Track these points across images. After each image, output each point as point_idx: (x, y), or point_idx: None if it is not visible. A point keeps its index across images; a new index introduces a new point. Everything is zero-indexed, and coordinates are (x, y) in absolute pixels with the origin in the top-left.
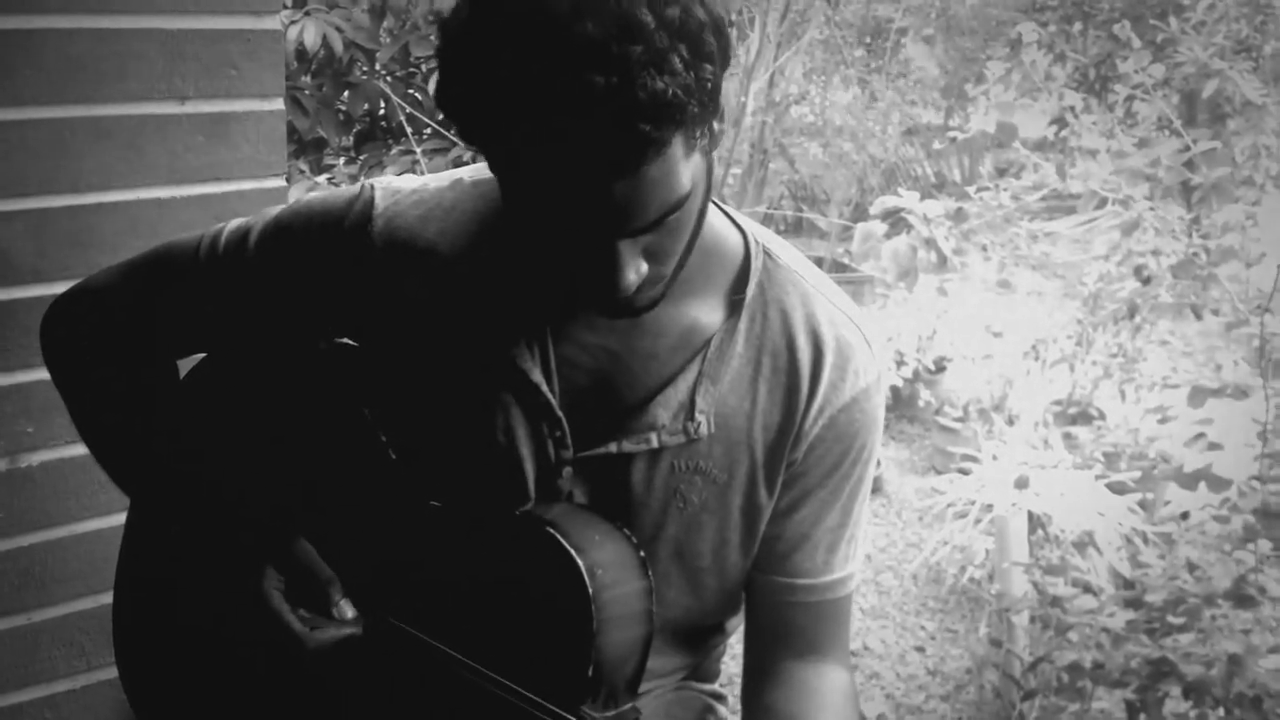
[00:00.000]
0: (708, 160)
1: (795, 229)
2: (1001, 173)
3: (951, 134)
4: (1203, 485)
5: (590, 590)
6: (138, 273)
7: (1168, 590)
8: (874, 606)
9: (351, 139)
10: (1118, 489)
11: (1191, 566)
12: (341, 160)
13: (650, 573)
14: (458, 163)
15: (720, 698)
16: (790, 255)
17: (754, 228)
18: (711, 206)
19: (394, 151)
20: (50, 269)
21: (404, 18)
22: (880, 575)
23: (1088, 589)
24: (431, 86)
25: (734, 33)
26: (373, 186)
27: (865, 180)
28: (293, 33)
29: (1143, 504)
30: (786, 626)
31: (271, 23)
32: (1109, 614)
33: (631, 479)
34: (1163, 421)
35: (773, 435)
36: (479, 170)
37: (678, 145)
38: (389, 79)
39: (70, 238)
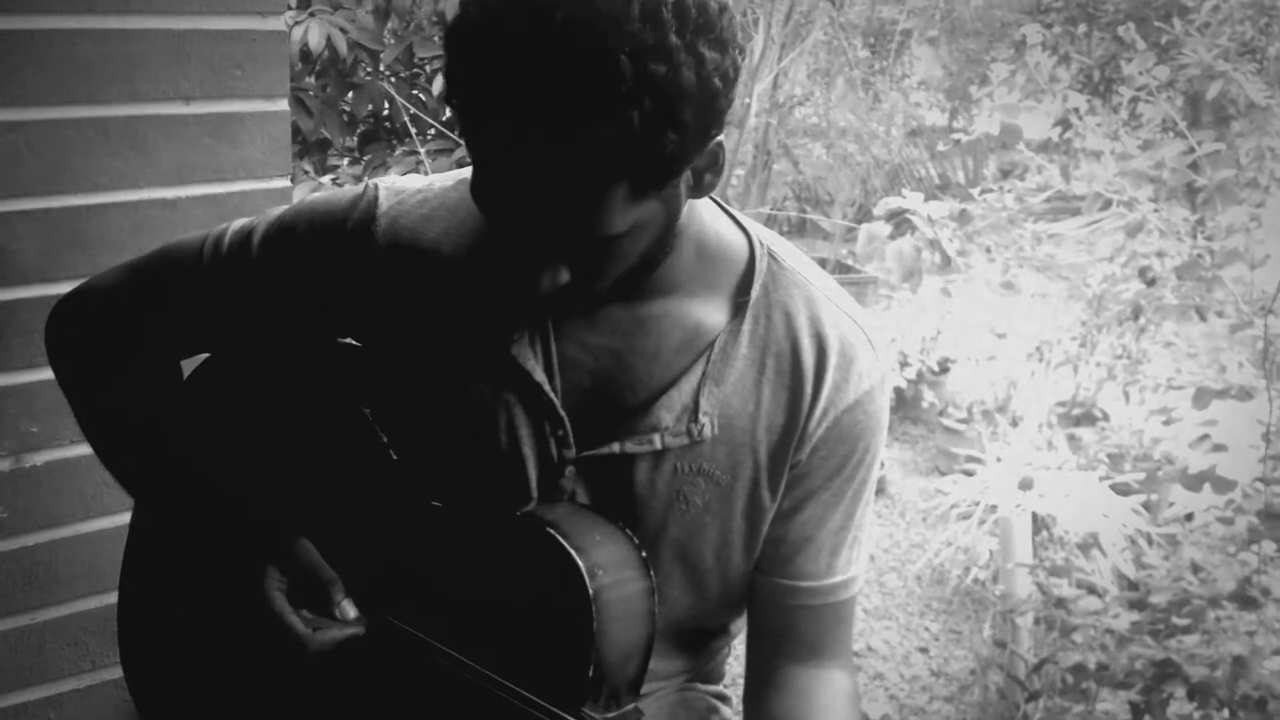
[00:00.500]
0: (670, 205)
1: (799, 230)
2: (1006, 174)
3: (956, 135)
4: (1207, 487)
5: (591, 591)
6: (142, 273)
7: (1172, 592)
8: (878, 607)
9: (356, 140)
10: (1122, 490)
11: (1196, 568)
12: (346, 161)
13: (652, 573)
14: (462, 163)
15: (724, 699)
16: (794, 257)
17: (758, 230)
18: (715, 209)
19: (398, 152)
20: (54, 269)
21: (408, 19)
22: (884, 576)
23: (1092, 590)
24: (436, 87)
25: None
26: (376, 186)
27: (869, 182)
28: (297, 34)
29: (1147, 505)
30: (789, 629)
31: (276, 24)
32: (1113, 615)
33: (634, 480)
34: (1167, 423)
35: (776, 437)
36: None
37: (617, 189)
38: (393, 80)
39: (74, 238)
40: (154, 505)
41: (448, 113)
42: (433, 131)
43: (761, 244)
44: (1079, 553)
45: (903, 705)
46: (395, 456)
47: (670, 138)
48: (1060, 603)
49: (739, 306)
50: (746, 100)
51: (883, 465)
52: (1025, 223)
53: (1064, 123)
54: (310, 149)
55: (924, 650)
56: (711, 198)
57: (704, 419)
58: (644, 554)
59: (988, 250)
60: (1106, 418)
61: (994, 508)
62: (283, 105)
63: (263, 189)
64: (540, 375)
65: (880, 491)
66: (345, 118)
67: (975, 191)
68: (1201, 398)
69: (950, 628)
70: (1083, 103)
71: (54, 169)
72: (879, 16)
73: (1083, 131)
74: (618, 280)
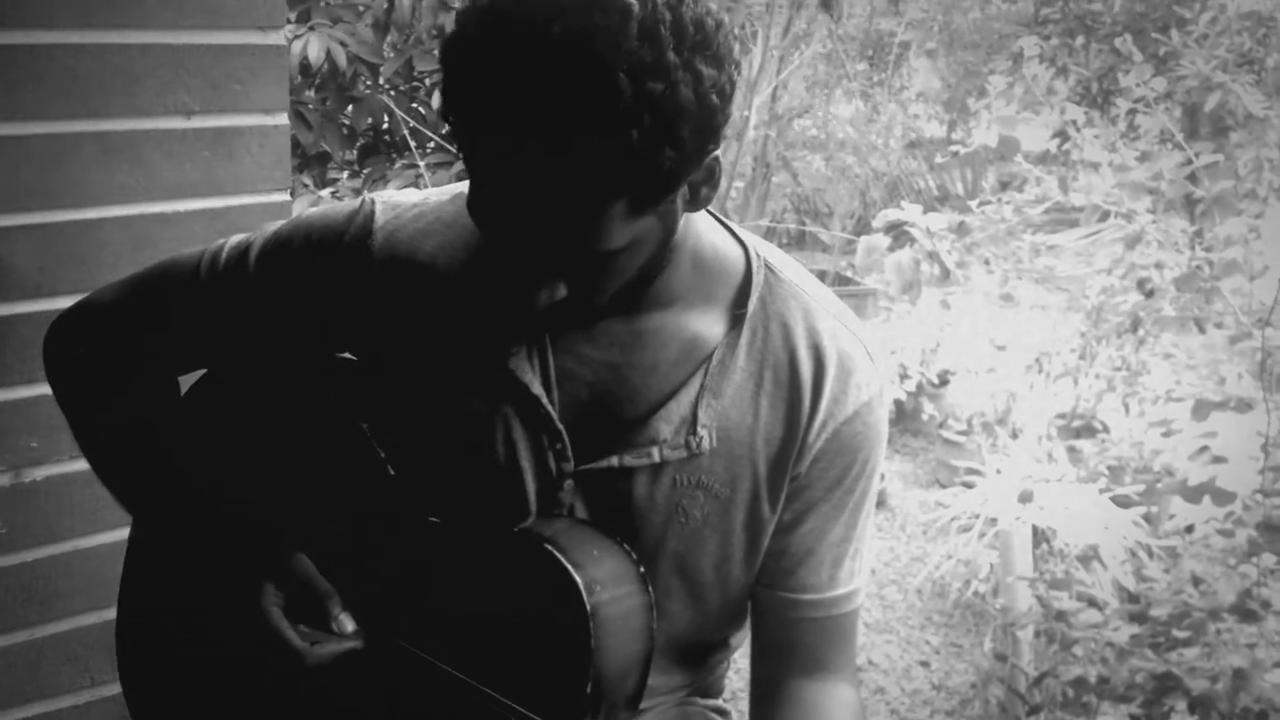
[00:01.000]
0: (667, 221)
1: (798, 242)
2: (1004, 186)
3: (954, 147)
4: (1207, 499)
5: (589, 606)
6: (140, 288)
7: (1172, 604)
8: (878, 621)
9: (355, 153)
10: (1122, 503)
11: (1196, 580)
12: (345, 174)
13: (650, 588)
14: (461, 176)
15: (724, 713)
16: (792, 269)
17: (755, 242)
18: (711, 221)
19: (397, 165)
20: (53, 284)
21: (408, 32)
22: (884, 589)
23: (1092, 603)
24: (436, 101)
25: (737, 46)
26: (373, 201)
27: (868, 194)
28: (296, 47)
29: (1147, 517)
30: (793, 643)
31: (276, 38)
32: (1114, 628)
33: (633, 493)
34: (1166, 435)
35: (775, 449)
36: None
37: (616, 206)
38: (393, 93)
39: (74, 252)
40: (151, 521)
41: (447, 126)
42: (432, 145)
43: (758, 256)
44: (1079, 565)
45: (904, 719)
46: (393, 471)
47: (668, 154)
48: (1061, 616)
49: (736, 319)
50: (745, 113)
51: (883, 478)
52: (1024, 234)
53: (1062, 134)
54: (310, 162)
55: (925, 664)
56: (708, 210)
57: (702, 431)
58: (642, 569)
59: (986, 262)
60: (1106, 430)
61: (994, 520)
62: (282, 119)
63: (262, 203)
64: (538, 389)
65: (880, 504)
66: (345, 131)
67: (974, 204)
68: (1201, 409)
69: (951, 641)
70: (1080, 115)
71: (53, 183)
72: (877, 29)
73: (1080, 143)
74: (615, 295)
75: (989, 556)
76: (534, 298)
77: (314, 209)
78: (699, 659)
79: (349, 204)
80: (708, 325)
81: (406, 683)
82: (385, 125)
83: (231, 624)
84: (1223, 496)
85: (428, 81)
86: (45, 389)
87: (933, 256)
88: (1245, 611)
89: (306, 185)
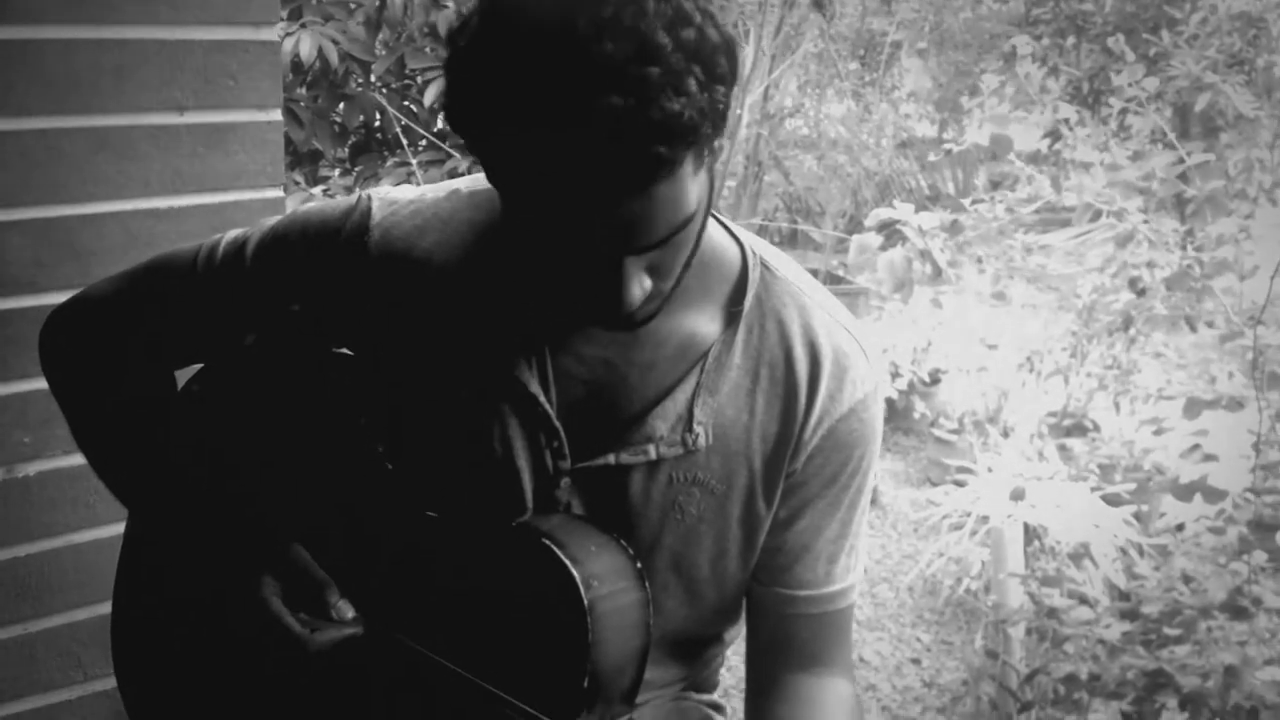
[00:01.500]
0: (710, 175)
1: (790, 241)
2: (995, 185)
3: (947, 146)
4: (1198, 497)
5: (586, 601)
6: (136, 283)
7: (1164, 602)
8: (870, 618)
9: (347, 151)
10: (1113, 501)
11: (1187, 578)
12: (337, 172)
13: (647, 584)
14: (453, 174)
15: (719, 708)
16: (787, 267)
17: (751, 239)
18: (709, 219)
19: (389, 163)
20: (48, 279)
21: (400, 30)
22: (876, 587)
23: (1084, 600)
24: (428, 99)
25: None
26: (369, 197)
27: (859, 193)
28: (288, 45)
29: (1138, 516)
30: (789, 639)
31: (269, 34)
32: (1105, 625)
33: (629, 490)
34: (1158, 433)
35: (771, 446)
36: (476, 181)
37: (688, 165)
38: (384, 91)
39: (68, 248)
40: (147, 515)
41: (439, 124)
42: (424, 142)
43: (754, 253)
44: (1070, 563)
45: (895, 716)
46: (390, 466)
47: (719, 91)
48: (1053, 613)
49: (732, 316)
50: (738, 111)
51: (876, 475)
52: (1016, 234)
53: (1053, 134)
54: (301, 160)
55: (916, 661)
56: None
57: (698, 429)
58: (639, 565)
59: (979, 261)
60: (1097, 428)
61: (985, 518)
62: (276, 115)
63: (256, 199)
64: (535, 386)
65: (872, 502)
66: (336, 129)
67: (967, 202)
68: (1192, 408)
69: (942, 638)
70: (1072, 114)
71: (47, 179)
72: (869, 29)
73: (1072, 143)
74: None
75: (980, 554)
76: (630, 295)
77: (311, 204)
78: (694, 654)
79: (346, 200)
80: (704, 323)
81: (408, 669)
82: (377, 123)
83: (230, 615)
84: (1214, 494)
85: (420, 79)
86: (38, 384)
87: (925, 255)
88: (1236, 609)
89: (298, 183)
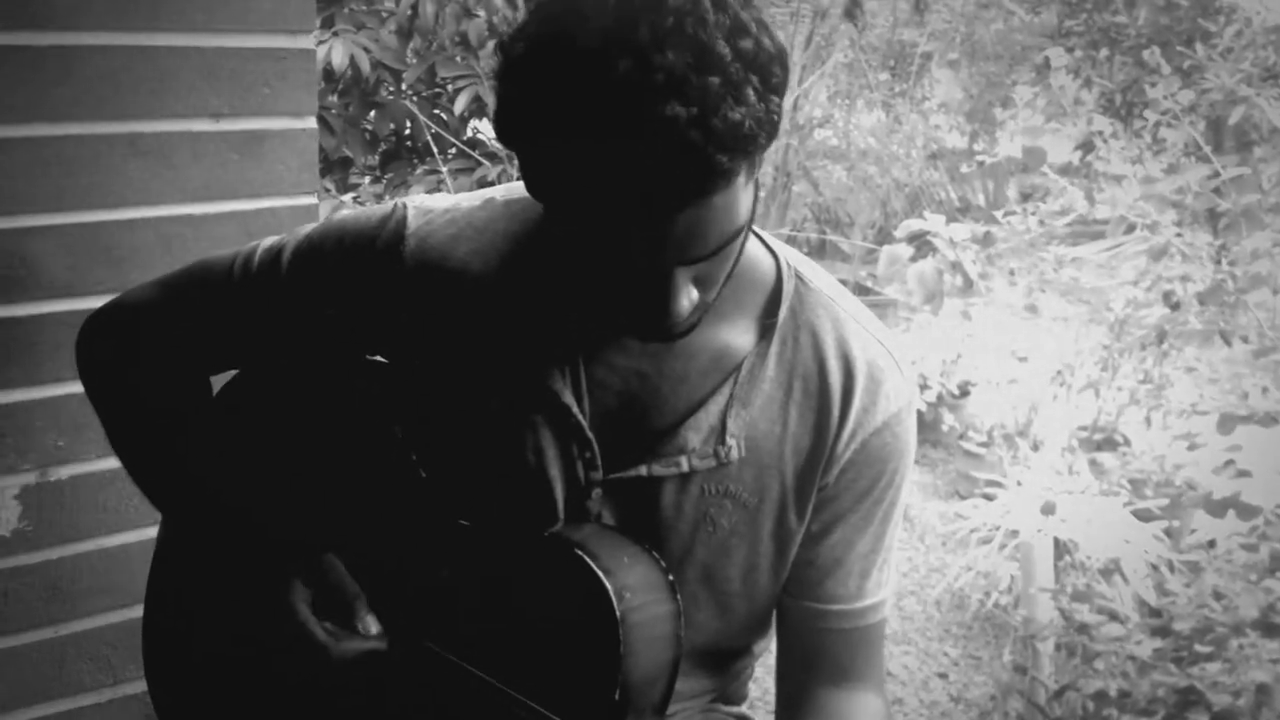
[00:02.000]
0: (755, 186)
1: (819, 252)
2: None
3: (980, 157)
4: (1231, 513)
5: (618, 613)
6: (173, 290)
7: (1195, 619)
8: (897, 631)
9: (377, 158)
10: (1143, 516)
11: (1218, 595)
12: (367, 179)
13: (678, 596)
14: (483, 182)
15: None
16: (822, 279)
17: (786, 251)
18: None
19: (419, 171)
20: (82, 284)
21: (431, 39)
22: (903, 600)
23: (1114, 617)
24: (458, 107)
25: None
26: (405, 206)
27: (889, 204)
28: (320, 53)
29: (1168, 531)
30: (820, 653)
31: (305, 42)
32: (1136, 642)
33: (661, 502)
34: (1191, 449)
35: (803, 459)
36: (511, 190)
37: (742, 175)
38: (415, 99)
39: (103, 253)
40: (181, 519)
41: (469, 132)
42: (454, 151)
43: (789, 265)
44: (1100, 578)
45: None
46: (423, 474)
47: (775, 101)
48: (1083, 629)
49: (766, 328)
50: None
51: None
52: (1048, 246)
53: (1085, 146)
54: (332, 167)
55: (943, 675)
56: None
57: (731, 441)
58: (670, 577)
59: (1011, 273)
60: (1128, 443)
61: (1015, 532)
62: (310, 123)
63: (290, 206)
64: (569, 397)
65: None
66: (367, 136)
67: (999, 214)
68: (1226, 423)
69: (970, 653)
70: (1107, 125)
71: (83, 184)
72: (900, 39)
73: (1106, 155)
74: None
75: (1009, 568)
76: (679, 306)
77: (347, 213)
78: (724, 666)
79: (381, 208)
80: (737, 335)
81: (429, 685)
82: (407, 131)
83: (259, 619)
84: (1247, 511)
85: (450, 87)
86: (73, 388)
87: (955, 267)
88: (1269, 626)
89: (329, 190)
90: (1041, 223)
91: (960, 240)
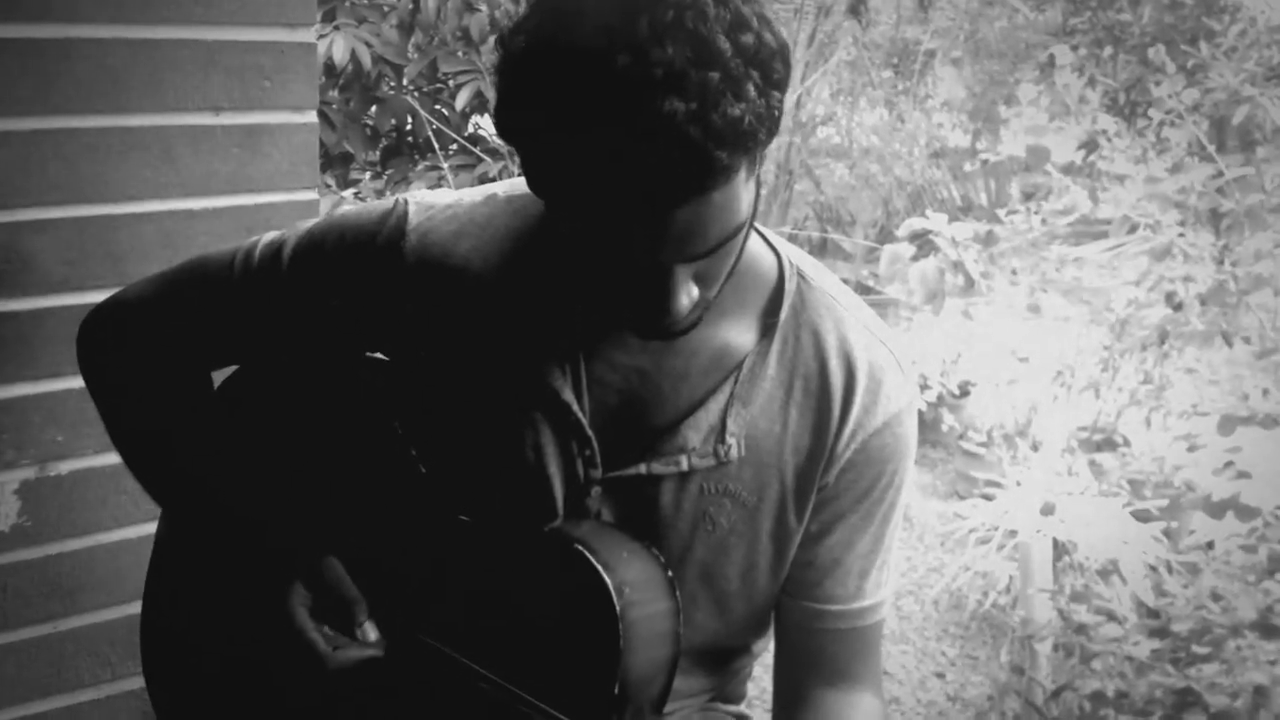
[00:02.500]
0: (757, 183)
1: (820, 250)
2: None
3: (984, 156)
4: (1230, 514)
5: (618, 608)
6: (173, 285)
7: (1193, 620)
8: (894, 631)
9: (378, 154)
10: (1142, 517)
11: (1216, 596)
12: (367, 175)
13: (677, 593)
14: (484, 178)
15: (745, 719)
16: (824, 278)
17: (788, 249)
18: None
19: (420, 167)
20: (81, 278)
21: (432, 33)
22: (901, 600)
23: (1112, 617)
24: (460, 102)
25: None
26: (406, 201)
27: (891, 203)
28: (321, 47)
29: (1167, 532)
30: (819, 653)
31: (305, 35)
32: (1134, 643)
33: (660, 500)
34: (1191, 450)
35: (803, 459)
36: (513, 186)
37: (742, 171)
38: (416, 94)
39: (102, 247)
40: (181, 516)
41: (471, 127)
42: (455, 146)
43: (791, 264)
44: (1099, 579)
45: None
46: (423, 470)
47: (776, 97)
48: (1081, 629)
49: (768, 327)
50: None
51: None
52: (1050, 245)
53: (1088, 145)
54: (332, 162)
55: (940, 675)
56: None
57: (731, 440)
58: (669, 573)
59: (1013, 273)
60: (1128, 444)
61: (1014, 532)
62: (311, 117)
63: (290, 201)
64: (569, 395)
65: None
66: (368, 131)
67: (1002, 213)
68: (1227, 424)
69: (967, 653)
70: (1111, 124)
71: (82, 178)
72: (903, 37)
73: (1109, 154)
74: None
75: (1007, 569)
76: (678, 303)
77: (348, 208)
78: (722, 664)
79: (383, 204)
80: (739, 333)
81: (428, 684)
82: (409, 126)
83: (258, 621)
84: (1247, 512)
85: (451, 83)
86: (72, 383)
87: (957, 266)
88: (1267, 628)
89: (329, 185)
90: (1044, 222)
91: (962, 239)
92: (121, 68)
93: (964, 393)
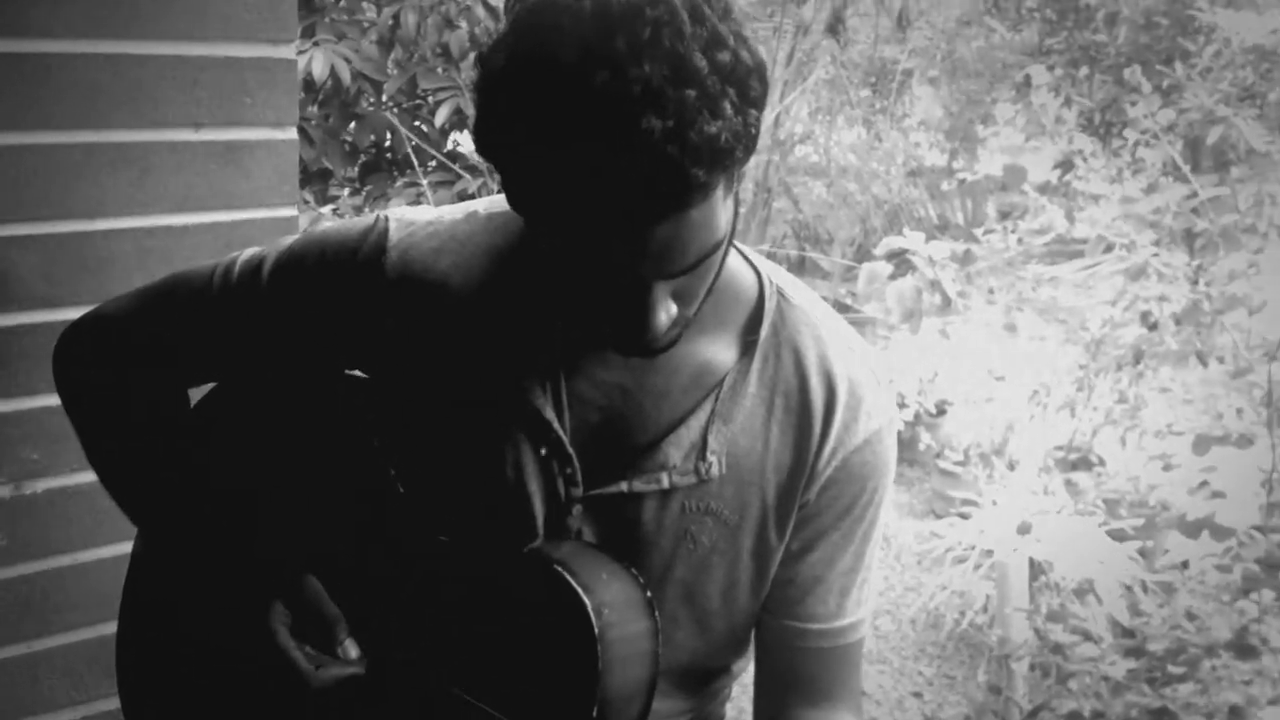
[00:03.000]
0: (735, 201)
1: (798, 268)
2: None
3: (961, 175)
4: (1205, 534)
5: (596, 629)
6: (151, 301)
7: (1168, 640)
8: (871, 651)
9: (357, 170)
10: (1117, 536)
11: (1192, 616)
12: (346, 191)
13: (656, 613)
14: (463, 195)
15: None
16: (804, 295)
17: (768, 267)
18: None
19: (399, 183)
20: (60, 294)
21: (412, 50)
22: (878, 619)
23: (1088, 637)
24: (439, 119)
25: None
26: (387, 218)
27: (868, 221)
28: (300, 63)
29: (1142, 552)
30: (798, 672)
31: (286, 51)
32: (1110, 662)
33: (641, 519)
34: (1166, 469)
35: (784, 476)
36: (494, 203)
37: (720, 189)
38: (396, 110)
39: (81, 263)
40: (158, 535)
41: (450, 144)
42: (434, 163)
43: (771, 282)
44: (1075, 599)
45: None
46: (402, 489)
47: (753, 115)
48: (1057, 649)
49: (748, 345)
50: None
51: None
52: (1026, 265)
53: (1065, 165)
54: (311, 179)
55: (918, 695)
56: None
57: (712, 457)
58: (649, 594)
59: (989, 292)
60: (1102, 463)
61: (990, 552)
62: (291, 133)
63: (270, 217)
64: (549, 412)
65: None
66: (347, 148)
67: (979, 232)
68: (1201, 444)
69: (944, 673)
70: (1087, 144)
71: (61, 193)
72: (881, 56)
73: (1084, 174)
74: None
75: (984, 588)
76: (657, 321)
77: (329, 224)
78: (702, 685)
79: (363, 220)
80: (719, 351)
81: (407, 705)
82: (388, 143)
83: (237, 641)
84: (1221, 532)
85: (431, 99)
86: (48, 400)
87: (934, 285)
88: (1242, 648)
89: (308, 201)
90: (1020, 241)
91: (939, 258)
92: (102, 83)
93: (941, 411)
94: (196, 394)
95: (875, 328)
